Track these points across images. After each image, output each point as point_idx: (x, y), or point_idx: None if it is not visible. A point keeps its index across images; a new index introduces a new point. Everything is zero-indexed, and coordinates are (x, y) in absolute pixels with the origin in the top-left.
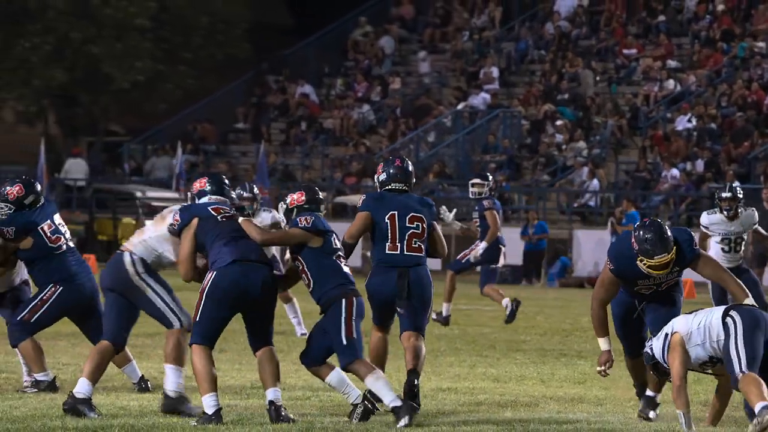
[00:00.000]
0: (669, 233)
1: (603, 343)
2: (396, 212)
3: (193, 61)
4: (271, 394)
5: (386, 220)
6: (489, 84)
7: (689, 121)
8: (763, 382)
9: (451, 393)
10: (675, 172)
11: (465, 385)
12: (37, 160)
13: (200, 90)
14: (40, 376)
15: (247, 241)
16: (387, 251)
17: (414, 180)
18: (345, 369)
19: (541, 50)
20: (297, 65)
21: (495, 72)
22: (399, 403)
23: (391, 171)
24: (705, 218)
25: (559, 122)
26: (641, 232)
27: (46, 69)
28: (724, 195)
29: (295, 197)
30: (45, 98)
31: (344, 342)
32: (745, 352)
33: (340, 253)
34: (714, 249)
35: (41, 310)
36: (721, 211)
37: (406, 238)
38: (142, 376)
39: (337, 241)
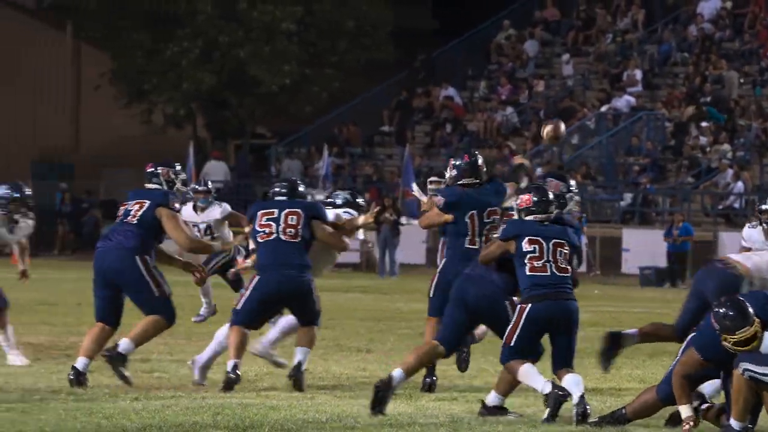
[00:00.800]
0: (748, 306)
1: (685, 411)
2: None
3: (339, 64)
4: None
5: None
6: (632, 86)
7: None
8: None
9: (596, 394)
10: None
11: (610, 386)
12: (185, 162)
13: (345, 93)
14: (229, 364)
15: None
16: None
17: (485, 170)
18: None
19: (684, 53)
20: (441, 68)
21: (638, 74)
22: (548, 390)
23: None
24: (745, 231)
25: (704, 124)
26: (720, 310)
27: (194, 72)
28: (763, 207)
29: (524, 198)
30: (193, 101)
31: (502, 347)
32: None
33: (531, 256)
34: None
35: (244, 298)
36: (761, 224)
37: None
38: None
39: (544, 243)
